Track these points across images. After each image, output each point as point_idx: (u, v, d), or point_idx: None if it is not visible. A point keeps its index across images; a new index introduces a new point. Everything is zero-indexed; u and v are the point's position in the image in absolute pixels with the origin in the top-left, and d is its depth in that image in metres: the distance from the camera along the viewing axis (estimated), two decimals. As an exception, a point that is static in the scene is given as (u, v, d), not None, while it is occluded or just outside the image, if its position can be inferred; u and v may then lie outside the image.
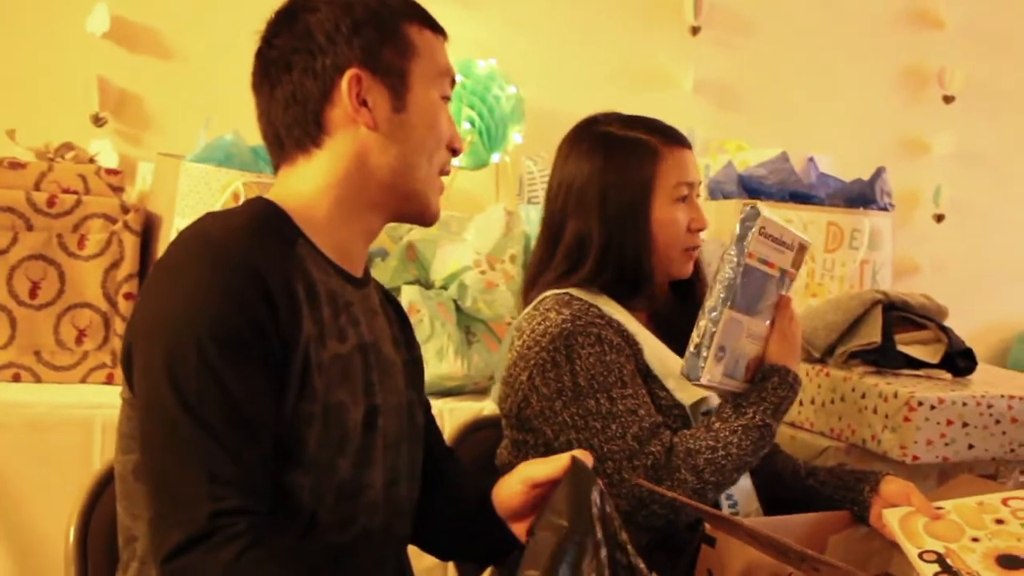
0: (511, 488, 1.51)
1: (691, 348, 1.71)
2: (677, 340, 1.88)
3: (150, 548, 1.27)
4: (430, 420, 1.71)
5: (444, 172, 1.52)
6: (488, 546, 1.62)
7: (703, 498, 1.73)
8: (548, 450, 1.84)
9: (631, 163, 1.91)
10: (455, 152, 1.53)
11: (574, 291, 1.91)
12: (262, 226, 1.37)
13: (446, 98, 1.51)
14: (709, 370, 1.70)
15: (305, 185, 1.44)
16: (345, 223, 1.45)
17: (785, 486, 2.01)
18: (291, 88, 1.42)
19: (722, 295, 1.70)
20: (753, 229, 1.71)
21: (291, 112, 1.43)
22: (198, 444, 1.25)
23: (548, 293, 1.93)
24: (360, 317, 1.47)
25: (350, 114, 1.42)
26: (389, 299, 1.65)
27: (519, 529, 1.53)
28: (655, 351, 1.90)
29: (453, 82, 1.55)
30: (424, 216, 1.52)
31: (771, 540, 1.52)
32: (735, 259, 1.71)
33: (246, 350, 1.27)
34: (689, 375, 1.72)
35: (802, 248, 1.83)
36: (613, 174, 1.91)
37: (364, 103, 1.42)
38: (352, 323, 1.44)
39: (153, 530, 1.26)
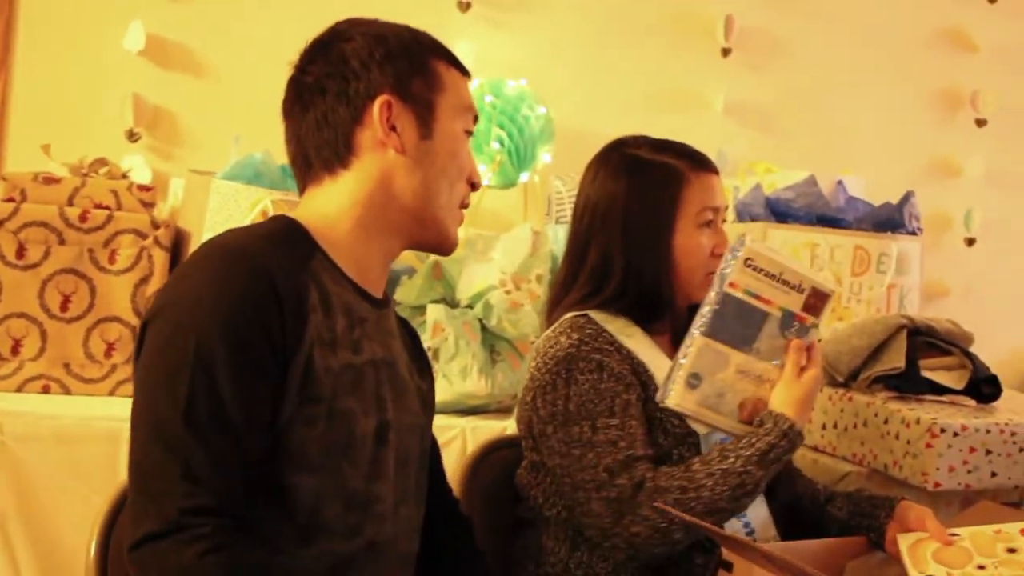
0: None
1: (668, 371, 1.73)
2: None
3: (123, 531, 1.33)
4: (436, 456, 1.76)
5: (464, 205, 1.58)
6: None
7: (668, 537, 1.71)
8: (553, 473, 1.86)
9: (656, 187, 1.93)
10: (474, 187, 1.59)
11: (593, 313, 1.92)
12: (281, 238, 1.43)
13: (469, 132, 1.58)
14: (678, 394, 1.71)
15: (329, 205, 1.50)
16: (365, 243, 1.50)
17: (804, 511, 2.01)
18: (324, 110, 1.49)
19: (697, 321, 1.71)
20: (737, 258, 1.72)
21: (323, 134, 1.49)
22: (180, 439, 1.27)
23: (568, 315, 1.94)
24: (375, 335, 1.51)
25: (379, 137, 1.48)
26: (406, 327, 1.70)
27: None
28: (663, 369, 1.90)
29: (476, 119, 1.61)
30: (442, 245, 1.58)
31: (788, 564, 1.52)
32: (715, 286, 1.72)
33: (245, 353, 1.31)
34: (658, 397, 1.74)
35: (819, 294, 1.79)
36: (637, 197, 1.93)
37: (393, 128, 1.48)
38: (367, 338, 1.48)
39: (128, 517, 1.31)
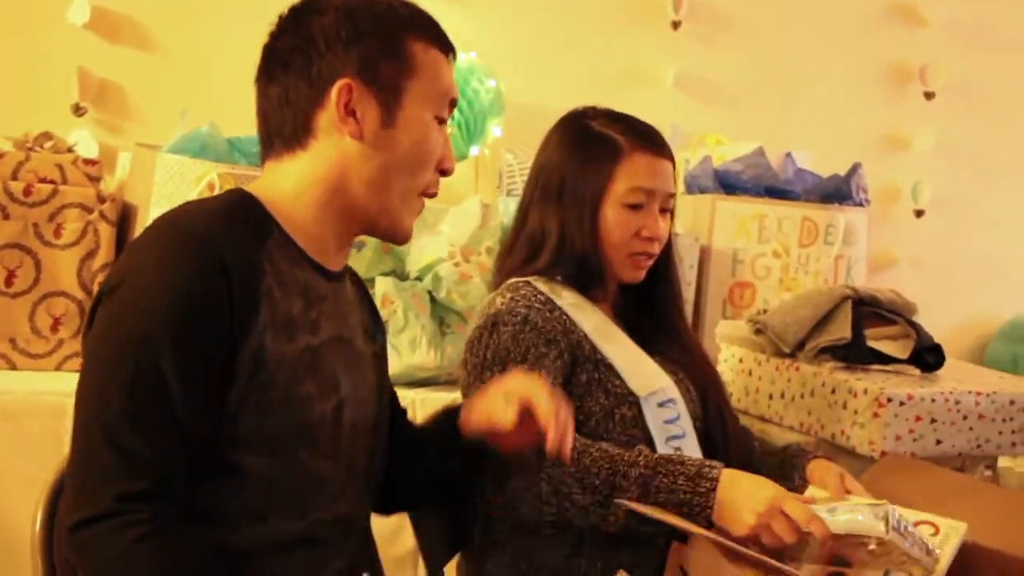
0: (489, 403, 1.55)
1: None
2: (640, 334, 1.90)
3: (62, 512, 1.31)
4: (395, 402, 1.74)
5: (428, 194, 1.53)
6: (454, 477, 1.73)
7: (568, 497, 1.72)
8: None
9: (592, 158, 1.93)
10: (444, 173, 1.53)
11: (534, 279, 1.93)
12: (235, 214, 1.39)
13: (441, 120, 1.51)
14: None
15: (287, 182, 1.46)
16: (321, 223, 1.46)
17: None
18: (285, 87, 1.45)
19: None
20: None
21: (283, 111, 1.45)
22: (120, 424, 1.26)
23: (510, 280, 1.95)
24: (333, 311, 1.49)
25: (336, 122, 1.43)
26: (358, 285, 1.67)
27: (501, 442, 1.58)
28: (614, 341, 1.91)
29: (453, 104, 1.54)
30: (394, 236, 1.53)
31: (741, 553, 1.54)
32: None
33: (191, 338, 1.29)
34: None
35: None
36: (575, 166, 1.93)
37: (353, 113, 1.43)
38: (325, 317, 1.46)
39: (66, 496, 1.30)
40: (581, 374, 1.89)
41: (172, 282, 1.29)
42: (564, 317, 1.89)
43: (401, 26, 1.47)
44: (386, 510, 1.79)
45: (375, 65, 1.43)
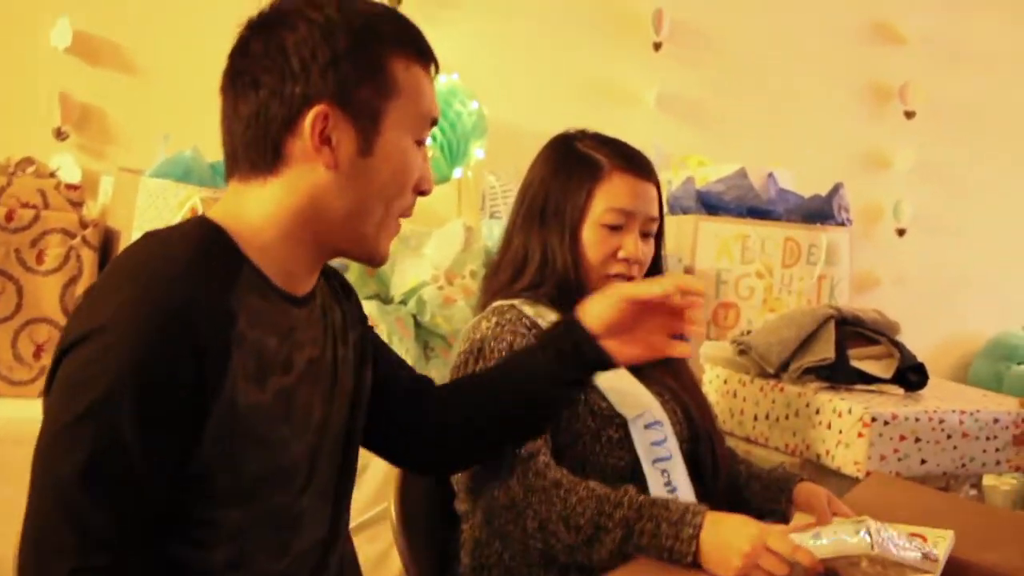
0: (605, 302, 1.57)
1: None
2: None
3: None
4: (391, 361, 1.69)
5: (405, 215, 1.44)
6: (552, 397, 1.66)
7: (521, 514, 1.72)
8: None
9: (573, 178, 1.93)
10: (423, 194, 1.44)
11: (519, 302, 1.92)
12: (202, 255, 1.30)
13: (421, 142, 1.41)
14: None
15: (255, 209, 1.35)
16: (291, 250, 1.37)
17: (728, 496, 2.03)
18: (255, 107, 1.32)
19: None
20: None
21: (251, 132, 1.33)
22: (76, 497, 1.18)
23: (496, 303, 1.95)
24: (305, 335, 1.41)
25: (310, 151, 1.32)
26: (331, 278, 1.57)
27: (611, 346, 1.58)
28: None
29: (434, 122, 1.45)
30: (372, 259, 1.45)
31: None
32: None
33: (157, 404, 1.20)
34: None
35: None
36: (557, 186, 1.93)
37: (328, 141, 1.32)
38: (297, 347, 1.38)
39: (19, 567, 1.22)
40: None
41: (134, 344, 1.19)
42: None
43: (382, 44, 1.36)
44: (440, 472, 1.83)
45: (354, 89, 1.33)
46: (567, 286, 1.92)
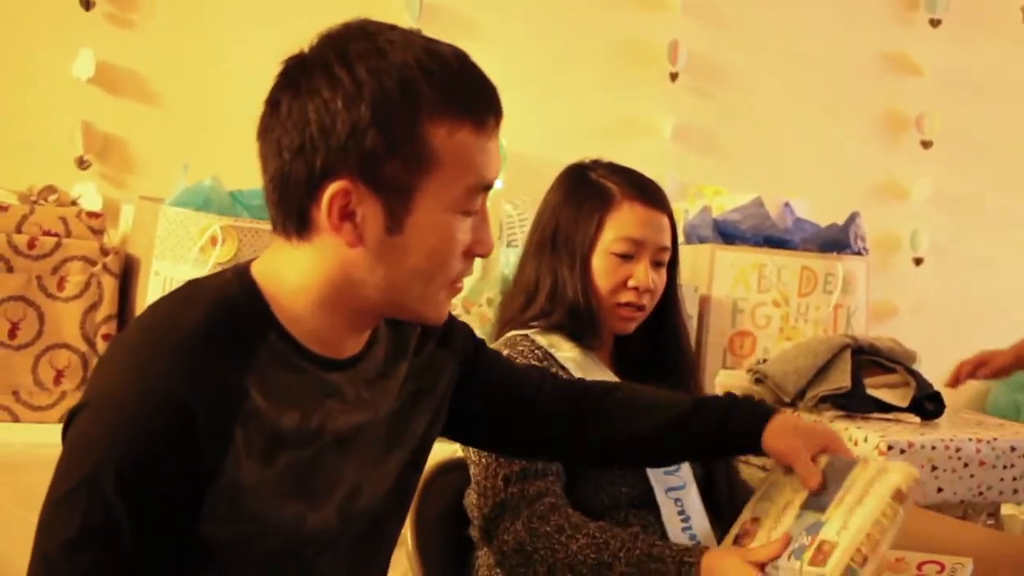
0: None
1: None
2: (639, 380, 1.90)
3: None
4: (521, 379, 1.68)
5: (459, 280, 1.31)
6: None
7: (529, 561, 1.72)
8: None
9: (584, 206, 1.94)
10: (480, 255, 1.31)
11: (532, 332, 1.93)
12: (226, 327, 1.23)
13: (470, 212, 1.26)
14: None
15: (290, 272, 1.27)
16: (327, 318, 1.28)
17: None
18: (279, 170, 1.23)
19: None
20: None
21: (278, 192, 1.25)
22: (65, 566, 1.16)
23: (510, 333, 1.96)
24: (346, 403, 1.33)
25: (329, 228, 1.22)
26: (406, 326, 1.45)
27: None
28: None
29: (489, 187, 1.27)
30: (425, 323, 1.36)
31: None
32: None
33: (147, 485, 1.16)
34: None
35: None
36: (568, 214, 1.95)
37: (352, 216, 1.21)
38: (333, 416, 1.30)
39: None
40: None
41: (123, 425, 1.15)
42: (561, 374, 1.90)
43: (417, 110, 1.20)
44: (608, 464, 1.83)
45: (380, 163, 1.19)
46: (577, 314, 1.93)
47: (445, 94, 1.22)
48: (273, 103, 1.25)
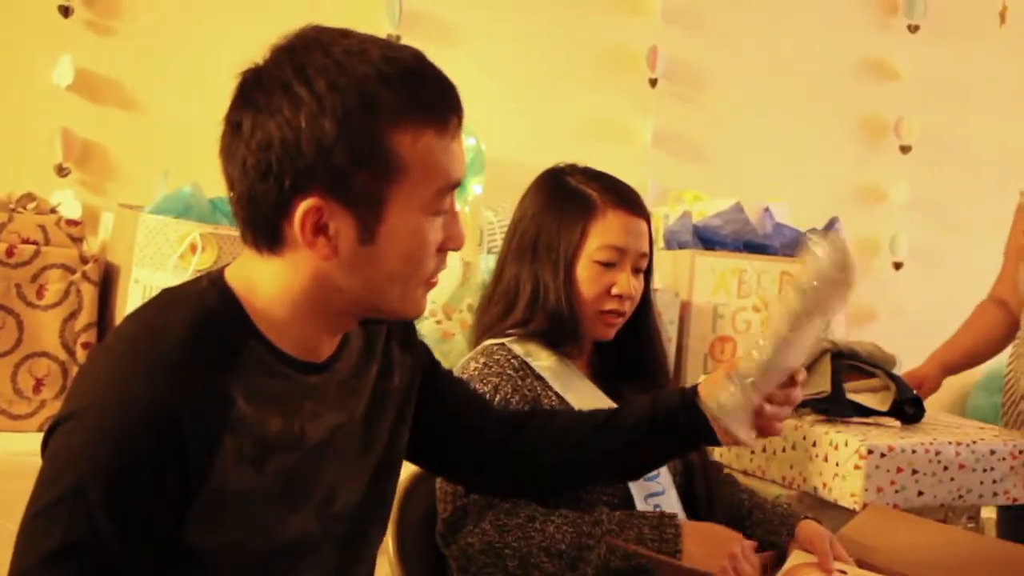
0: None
1: None
2: (618, 392, 1.91)
3: None
4: (464, 401, 1.68)
5: (434, 276, 1.32)
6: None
7: (499, 557, 1.73)
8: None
9: (566, 214, 1.94)
10: (453, 249, 1.32)
11: (509, 341, 1.93)
12: (206, 336, 1.23)
13: (439, 212, 1.27)
14: None
15: (264, 282, 1.27)
16: (305, 325, 1.29)
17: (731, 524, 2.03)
18: (247, 187, 1.22)
19: None
20: None
21: (246, 210, 1.24)
22: None
23: (487, 342, 1.95)
24: (332, 398, 1.35)
25: (303, 244, 1.22)
26: (372, 328, 1.45)
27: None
28: (586, 397, 1.91)
29: (455, 186, 1.28)
30: (403, 319, 1.41)
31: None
32: None
33: (133, 495, 1.16)
34: None
35: None
36: (549, 222, 1.94)
37: (324, 230, 1.21)
38: (309, 419, 1.31)
39: None
40: None
41: (107, 435, 1.15)
42: (536, 384, 1.90)
43: (380, 120, 1.20)
44: (543, 497, 1.79)
45: (349, 177, 1.20)
46: (560, 320, 1.92)
47: (406, 100, 1.22)
48: (233, 124, 1.23)
